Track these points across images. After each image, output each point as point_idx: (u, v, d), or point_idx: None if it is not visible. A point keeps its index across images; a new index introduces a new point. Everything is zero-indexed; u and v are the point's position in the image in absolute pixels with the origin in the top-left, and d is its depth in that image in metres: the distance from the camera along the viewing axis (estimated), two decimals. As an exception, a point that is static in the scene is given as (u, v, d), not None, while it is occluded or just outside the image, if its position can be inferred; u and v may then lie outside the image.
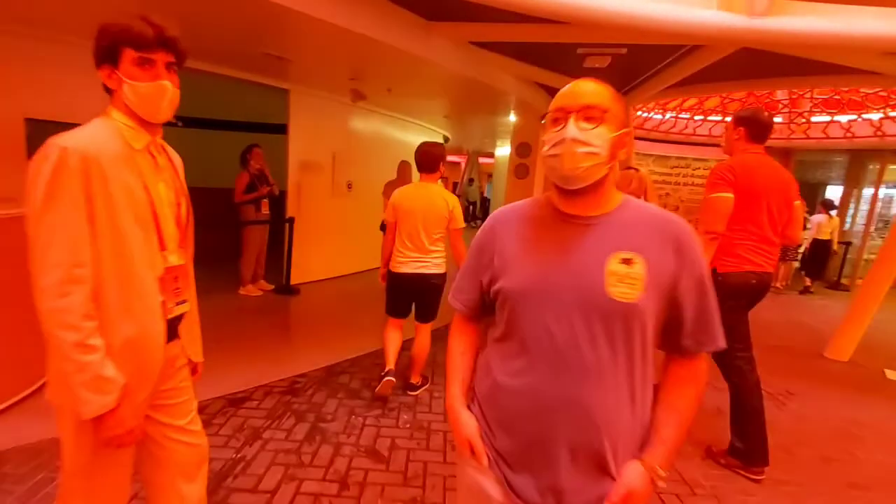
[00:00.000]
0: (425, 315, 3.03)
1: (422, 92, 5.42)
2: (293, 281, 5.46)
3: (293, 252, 5.32)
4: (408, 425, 2.70)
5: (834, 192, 9.90)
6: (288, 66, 4.32)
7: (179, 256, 1.27)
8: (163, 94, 1.15)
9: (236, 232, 5.13)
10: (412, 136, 7.77)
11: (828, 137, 7.89)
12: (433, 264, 2.91)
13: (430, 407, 2.93)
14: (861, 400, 3.51)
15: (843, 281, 8.36)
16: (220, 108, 7.07)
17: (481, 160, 16.20)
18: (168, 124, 1.22)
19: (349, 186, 6.22)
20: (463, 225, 2.92)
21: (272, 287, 5.39)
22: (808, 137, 8.08)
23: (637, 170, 2.95)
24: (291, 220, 5.29)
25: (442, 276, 2.96)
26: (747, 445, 2.43)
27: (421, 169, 2.97)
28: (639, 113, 7.85)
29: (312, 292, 5.56)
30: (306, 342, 3.98)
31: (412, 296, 2.99)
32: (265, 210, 5.07)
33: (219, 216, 5.85)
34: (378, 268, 3.17)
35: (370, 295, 5.72)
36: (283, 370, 3.28)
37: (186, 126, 6.88)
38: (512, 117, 6.63)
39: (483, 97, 5.44)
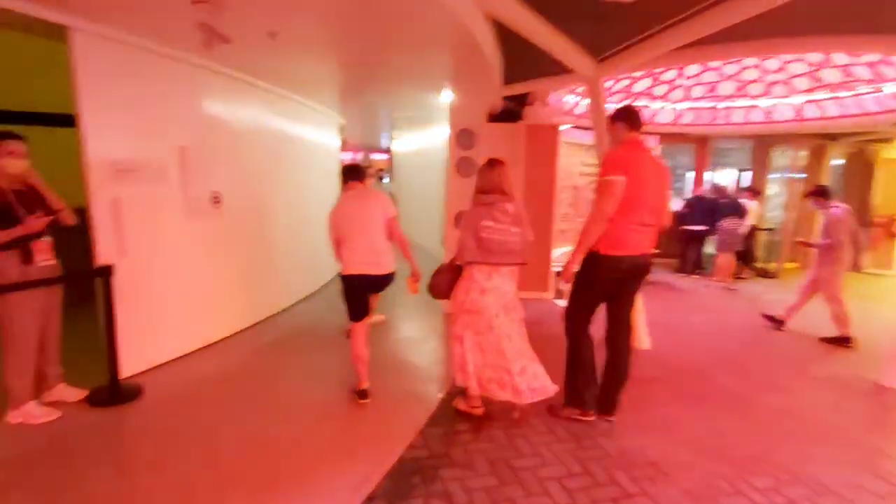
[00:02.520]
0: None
1: (326, 41, 3.41)
2: (125, 373, 3.12)
3: (120, 325, 2.99)
4: None
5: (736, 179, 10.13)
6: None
7: None
8: None
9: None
10: (305, 124, 5.62)
11: (748, 122, 7.76)
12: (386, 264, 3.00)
13: None
14: None
15: (770, 267, 8.36)
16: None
17: (373, 156, 14.24)
18: None
19: (216, 201, 3.94)
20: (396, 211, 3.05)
21: (85, 394, 2.97)
22: (729, 123, 7.88)
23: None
24: (107, 271, 2.93)
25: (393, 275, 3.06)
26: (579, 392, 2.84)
27: (353, 178, 3.07)
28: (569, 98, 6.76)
29: (169, 386, 3.25)
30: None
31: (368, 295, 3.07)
32: (45, 257, 2.66)
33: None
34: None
35: (276, 364, 3.67)
36: None
37: None
38: (445, 96, 4.96)
39: (417, 56, 3.65)
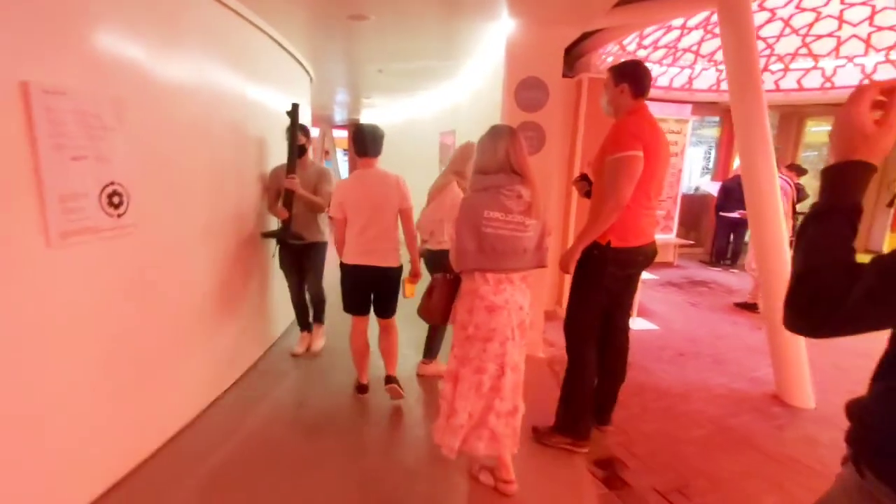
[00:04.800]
0: (386, 310, 2.77)
1: None
2: None
3: None
4: None
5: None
6: None
7: None
8: None
9: None
10: (270, 78, 3.61)
11: (801, 89, 6.63)
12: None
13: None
14: None
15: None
16: None
17: (335, 133, 11.99)
18: None
19: (114, 203, 1.95)
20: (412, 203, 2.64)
21: None
22: (778, 89, 6.72)
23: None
24: None
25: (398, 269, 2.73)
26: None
27: (366, 153, 2.61)
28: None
29: None
30: None
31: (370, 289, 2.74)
32: None
33: None
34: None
35: None
36: None
37: None
38: (500, 26, 3.18)
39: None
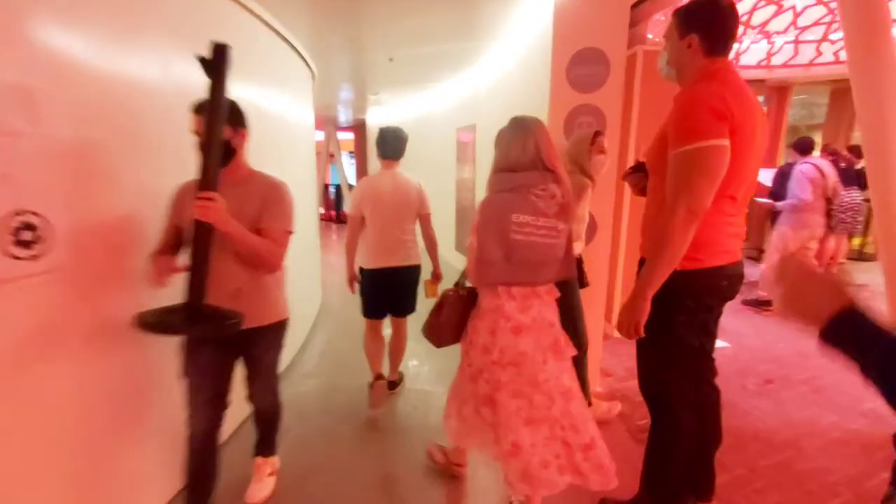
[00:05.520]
0: (405, 309, 2.81)
1: None
2: None
3: None
4: None
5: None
6: None
7: None
8: None
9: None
10: (263, 71, 3.01)
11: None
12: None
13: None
14: None
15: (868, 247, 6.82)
16: None
17: (340, 136, 11.43)
18: None
19: (25, 242, 1.32)
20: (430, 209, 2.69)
21: None
22: (837, 61, 5.97)
23: None
24: None
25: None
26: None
27: (386, 155, 2.63)
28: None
29: None
30: None
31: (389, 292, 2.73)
32: None
33: None
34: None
35: None
36: None
37: None
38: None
39: None
